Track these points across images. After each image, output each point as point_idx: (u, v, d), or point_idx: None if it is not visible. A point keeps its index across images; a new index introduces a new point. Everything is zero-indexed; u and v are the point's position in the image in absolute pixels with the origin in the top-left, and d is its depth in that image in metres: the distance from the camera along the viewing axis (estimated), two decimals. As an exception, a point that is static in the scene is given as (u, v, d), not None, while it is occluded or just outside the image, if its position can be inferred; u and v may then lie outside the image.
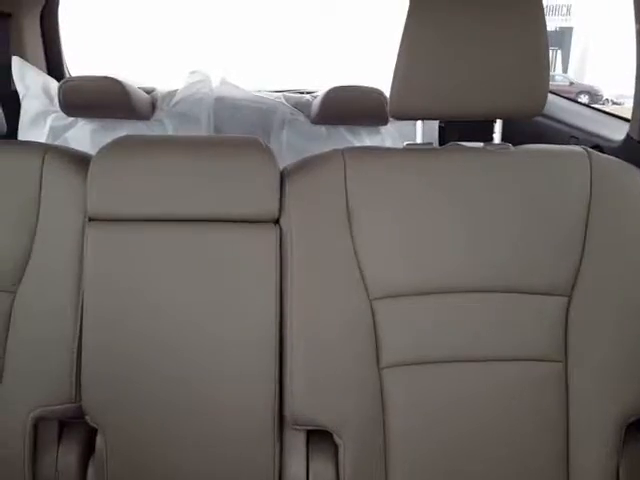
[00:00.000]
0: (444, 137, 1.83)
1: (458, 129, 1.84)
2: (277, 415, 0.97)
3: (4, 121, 1.01)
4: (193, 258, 0.96)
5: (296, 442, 1.01)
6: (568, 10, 17.20)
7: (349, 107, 1.78)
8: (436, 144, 1.18)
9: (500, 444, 0.98)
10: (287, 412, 0.97)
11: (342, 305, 0.96)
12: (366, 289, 0.96)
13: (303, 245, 0.97)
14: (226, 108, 1.84)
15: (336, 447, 0.97)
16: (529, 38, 0.94)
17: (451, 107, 0.97)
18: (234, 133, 1.80)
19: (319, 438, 1.00)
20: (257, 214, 0.98)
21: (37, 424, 0.98)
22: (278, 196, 0.98)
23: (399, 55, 0.95)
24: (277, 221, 0.98)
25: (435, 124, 1.83)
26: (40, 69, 1.93)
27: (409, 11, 0.93)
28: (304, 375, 0.96)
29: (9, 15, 1.88)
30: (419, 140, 1.04)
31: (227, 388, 0.97)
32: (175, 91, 1.89)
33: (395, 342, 0.97)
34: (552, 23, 16.38)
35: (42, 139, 1.77)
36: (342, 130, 1.86)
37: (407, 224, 0.97)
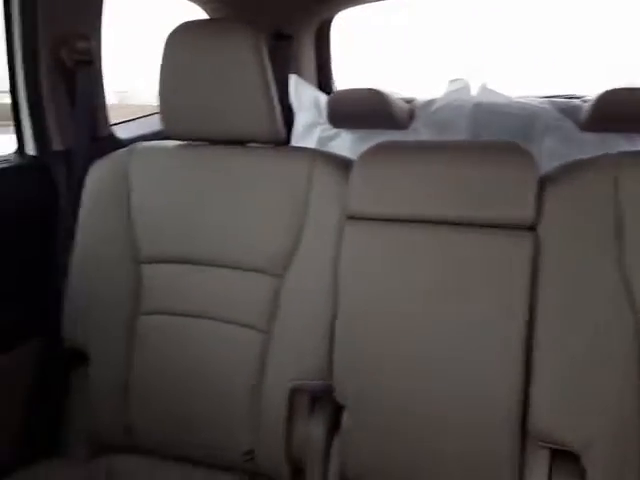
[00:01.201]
0: None
1: None
2: (520, 430, 0.93)
3: (284, 130, 1.12)
4: (445, 260, 0.97)
5: (539, 462, 0.95)
6: None
7: (628, 111, 1.58)
8: None
9: None
10: (531, 428, 0.92)
11: (601, 322, 0.88)
12: (633, 307, 0.86)
13: (561, 256, 0.91)
14: (485, 115, 1.78)
15: (582, 472, 0.89)
16: None
17: None
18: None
19: (562, 461, 0.93)
20: (512, 219, 0.94)
21: (293, 395, 1.06)
22: (536, 202, 0.93)
23: None
24: (533, 228, 0.93)
25: None
26: (312, 84, 2.11)
27: None
28: (552, 391, 0.91)
29: (290, 37, 2.10)
30: None
31: (469, 395, 0.95)
32: (434, 100, 1.89)
33: None
34: None
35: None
36: (616, 137, 1.66)
37: None
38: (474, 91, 1.88)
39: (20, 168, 1.30)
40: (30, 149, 1.32)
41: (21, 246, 1.24)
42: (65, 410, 1.21)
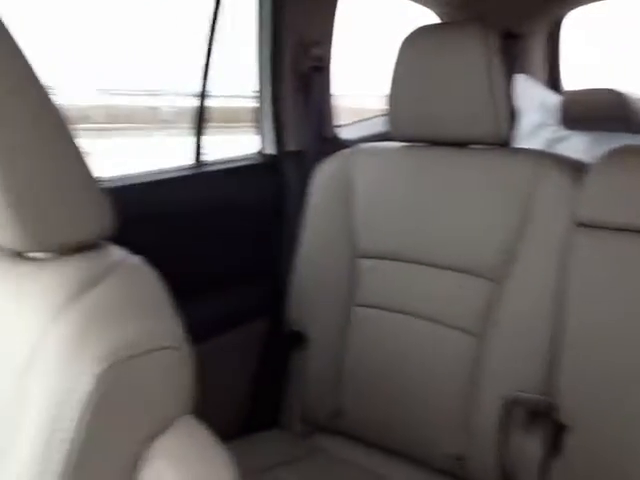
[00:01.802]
0: None
1: None
2: None
3: (510, 132, 1.09)
4: None
5: None
6: None
7: None
8: None
9: None
10: None
11: None
12: None
13: None
14: None
15: None
16: None
17: None
18: None
19: None
20: None
21: (507, 406, 1.01)
22: None
23: None
24: None
25: None
26: (540, 84, 2.00)
27: None
28: None
29: (518, 36, 2.01)
30: None
31: None
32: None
33: None
34: None
35: (536, 150, 1.82)
36: None
37: None
38: None
39: (262, 166, 1.43)
40: (268, 149, 1.45)
41: (255, 235, 1.37)
42: (283, 387, 1.30)
